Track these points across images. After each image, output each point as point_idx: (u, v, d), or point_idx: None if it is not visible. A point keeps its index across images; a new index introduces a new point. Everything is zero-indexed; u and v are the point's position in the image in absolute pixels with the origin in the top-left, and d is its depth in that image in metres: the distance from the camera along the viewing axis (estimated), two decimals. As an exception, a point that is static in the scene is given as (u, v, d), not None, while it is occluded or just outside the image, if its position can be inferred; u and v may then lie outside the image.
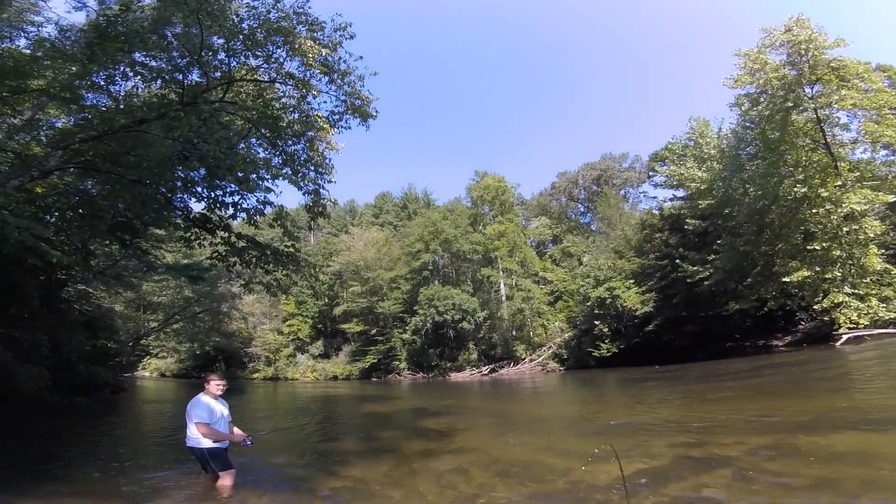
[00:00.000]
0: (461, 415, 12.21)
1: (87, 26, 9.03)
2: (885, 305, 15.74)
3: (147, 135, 8.13)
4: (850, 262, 16.49)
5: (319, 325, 44.79)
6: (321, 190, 10.75)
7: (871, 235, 16.00)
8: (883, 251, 16.69)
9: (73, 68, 7.86)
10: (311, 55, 8.90)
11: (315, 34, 9.05)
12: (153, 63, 8.88)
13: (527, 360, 30.55)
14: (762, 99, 19.01)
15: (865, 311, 15.74)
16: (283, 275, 11.03)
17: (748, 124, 21.17)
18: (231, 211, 9.81)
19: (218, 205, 9.81)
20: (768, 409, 7.34)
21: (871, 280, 16.27)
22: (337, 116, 10.39)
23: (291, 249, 11.07)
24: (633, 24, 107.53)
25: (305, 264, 12.65)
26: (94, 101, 9.01)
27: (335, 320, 41.99)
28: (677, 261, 23.11)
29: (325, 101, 10.30)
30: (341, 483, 5.40)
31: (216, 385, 4.82)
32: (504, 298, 33.79)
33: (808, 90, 17.91)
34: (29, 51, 8.21)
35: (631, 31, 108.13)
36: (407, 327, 35.13)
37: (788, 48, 17.92)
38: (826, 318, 16.75)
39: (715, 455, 4.90)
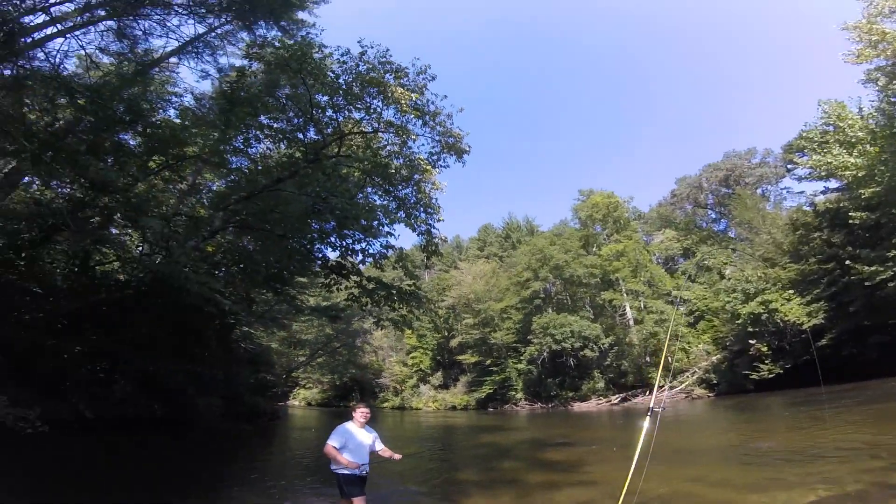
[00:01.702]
0: (587, 446, 11.26)
1: (215, 93, 11.18)
2: None
3: (284, 192, 9.57)
4: None
5: (438, 357, 46.42)
6: (432, 229, 11.55)
7: None
8: None
9: (215, 134, 9.35)
10: (403, 101, 9.75)
11: (402, 80, 9.89)
12: (276, 125, 10.66)
13: (665, 387, 27.18)
14: None
15: None
16: (407, 311, 11.88)
17: (894, 98, 17.96)
18: (360, 257, 11.21)
19: (349, 252, 11.30)
20: None
21: None
22: (435, 157, 11.17)
23: (413, 288, 12.07)
24: (723, 19, 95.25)
25: (426, 300, 13.44)
26: (237, 165, 11.06)
27: (452, 352, 43.09)
28: (847, 262, 19.40)
29: (422, 144, 11.20)
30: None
31: (361, 413, 4.95)
32: (632, 322, 31.13)
33: None
34: (178, 120, 9.93)
35: (723, 27, 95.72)
36: (521, 357, 34.32)
37: None
38: None
39: None
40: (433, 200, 11.87)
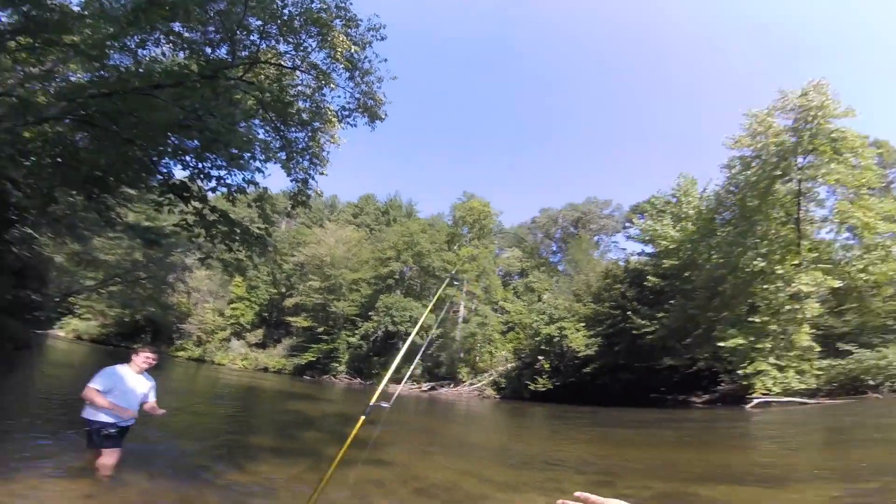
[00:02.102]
0: (389, 427, 11.95)
1: None
2: (799, 377, 16.47)
3: (157, 100, 7.98)
4: (782, 337, 17.35)
5: (265, 314, 43.47)
6: (311, 180, 10.86)
7: (809, 316, 16.86)
8: (813, 331, 17.43)
9: (111, 29, 7.71)
10: (339, 49, 9.02)
11: (350, 30, 9.19)
12: (188, 34, 8.89)
13: (467, 383, 30.63)
14: (754, 164, 19.05)
15: (781, 381, 16.43)
16: (245, 256, 10.84)
17: (732, 188, 21.10)
18: (213, 184, 9.73)
19: (202, 176, 9.72)
20: (674, 459, 7.73)
21: (794, 354, 17.03)
22: (347, 112, 10.56)
23: (263, 233, 10.91)
24: (640, 69, 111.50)
25: (273, 250, 12.46)
26: (119, 63, 8.87)
27: (283, 311, 40.95)
28: (629, 313, 23.94)
29: (339, 96, 10.45)
30: (245, 478, 5.16)
31: (144, 358, 4.31)
32: (461, 320, 33.96)
33: (799, 160, 18.06)
34: (78, 8, 8.06)
35: (638, 76, 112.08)
36: (357, 331, 34.60)
37: (797, 113, 17.68)
38: (745, 383, 17.30)
39: (618, 496, 5.05)
40: (324, 153, 11.19)
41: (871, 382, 15.07)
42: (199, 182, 9.82)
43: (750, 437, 10.61)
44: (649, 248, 28.36)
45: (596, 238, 49.24)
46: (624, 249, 43.70)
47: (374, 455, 7.79)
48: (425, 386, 31.30)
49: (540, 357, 27.09)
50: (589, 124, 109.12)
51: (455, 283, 33.13)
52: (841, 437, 9.02)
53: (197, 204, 9.91)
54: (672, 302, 22.32)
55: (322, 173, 11.05)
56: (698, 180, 26.12)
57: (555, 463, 7.72)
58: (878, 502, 4.25)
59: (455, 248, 37.53)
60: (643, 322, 22.53)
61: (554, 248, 52.60)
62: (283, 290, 42.37)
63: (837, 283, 16.92)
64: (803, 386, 16.27)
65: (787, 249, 18.30)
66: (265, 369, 36.96)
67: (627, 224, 37.06)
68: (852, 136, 17.58)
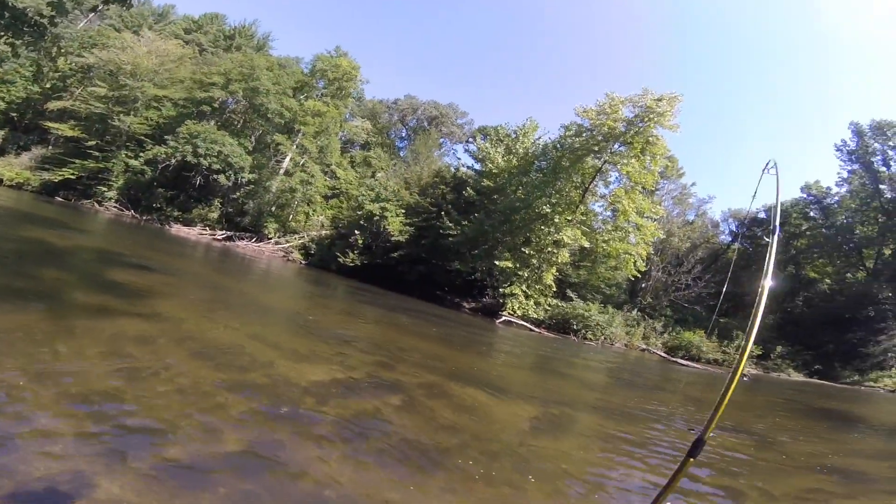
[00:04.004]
0: (168, 275, 10.63)
1: None
2: (535, 307, 22.07)
3: None
4: (538, 271, 22.36)
5: (14, 114, 32.90)
6: None
7: (559, 262, 22.11)
8: (557, 274, 23.13)
9: None
10: None
11: None
12: None
13: (273, 240, 29.38)
14: (584, 134, 22.57)
15: (523, 307, 21.77)
16: (5, 42, 8.52)
17: (558, 146, 25.14)
18: None
19: None
20: (439, 354, 9.25)
21: (538, 288, 22.43)
22: None
23: (44, 21, 8.27)
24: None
25: (52, 42, 9.30)
26: None
27: (43, 115, 31.64)
28: (442, 213, 26.46)
29: None
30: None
31: None
32: (283, 172, 31.66)
33: (616, 145, 21.86)
34: None
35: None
36: (143, 154, 28.48)
37: (642, 111, 20.53)
38: (501, 301, 22.23)
39: (395, 381, 5.83)
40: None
41: (574, 327, 21.03)
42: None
43: (492, 348, 13.09)
44: (478, 166, 31.09)
45: (442, 140, 51.57)
46: (459, 159, 47.60)
47: (142, 308, 6.75)
48: (220, 234, 28.60)
49: (357, 231, 27.60)
50: (492, 35, 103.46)
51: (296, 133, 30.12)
52: (546, 366, 11.71)
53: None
54: (476, 215, 25.51)
55: None
56: (540, 128, 29.80)
57: (346, 339, 8.16)
58: (558, 424, 5.90)
59: (301, 97, 33.46)
60: (450, 225, 25.19)
61: (403, 134, 53.42)
62: (50, 90, 32.30)
63: (586, 244, 22.41)
64: (535, 316, 21.78)
65: (568, 206, 22.85)
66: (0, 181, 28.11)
67: (471, 139, 40.46)
68: (661, 145, 22.05)
